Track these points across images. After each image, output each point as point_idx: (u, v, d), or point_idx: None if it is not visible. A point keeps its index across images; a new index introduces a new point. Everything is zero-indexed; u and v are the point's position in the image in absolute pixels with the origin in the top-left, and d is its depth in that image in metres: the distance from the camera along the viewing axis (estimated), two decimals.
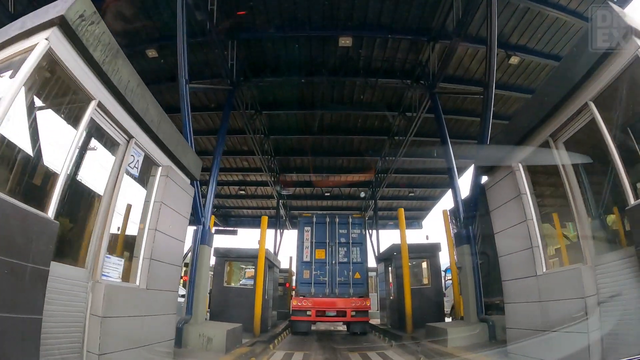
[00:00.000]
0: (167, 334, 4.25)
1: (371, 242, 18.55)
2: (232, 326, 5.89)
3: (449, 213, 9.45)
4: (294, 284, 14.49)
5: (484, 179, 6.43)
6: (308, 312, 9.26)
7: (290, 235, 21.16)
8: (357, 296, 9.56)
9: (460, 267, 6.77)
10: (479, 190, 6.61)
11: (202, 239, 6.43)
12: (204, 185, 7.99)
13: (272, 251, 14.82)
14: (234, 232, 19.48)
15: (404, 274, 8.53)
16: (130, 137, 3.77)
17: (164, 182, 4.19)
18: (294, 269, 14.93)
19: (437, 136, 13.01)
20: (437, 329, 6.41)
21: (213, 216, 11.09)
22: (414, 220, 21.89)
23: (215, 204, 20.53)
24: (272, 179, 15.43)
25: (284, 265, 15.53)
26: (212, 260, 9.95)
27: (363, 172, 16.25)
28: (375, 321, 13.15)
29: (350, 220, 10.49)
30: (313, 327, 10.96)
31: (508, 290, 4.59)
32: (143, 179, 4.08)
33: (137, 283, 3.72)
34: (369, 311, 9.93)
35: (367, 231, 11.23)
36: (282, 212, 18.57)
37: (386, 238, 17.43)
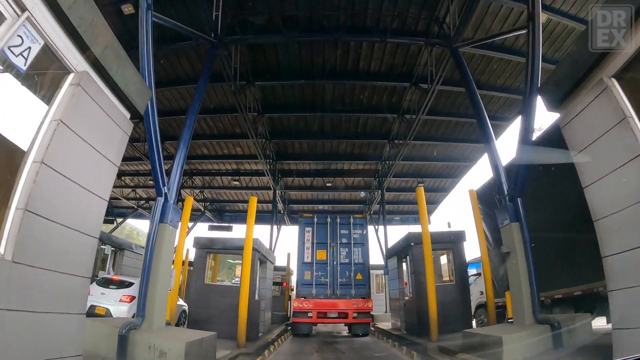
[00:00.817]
0: (64, 347, 2.52)
1: (377, 237, 17.02)
2: (198, 336, 4.20)
3: (476, 194, 7.92)
4: (293, 284, 13.06)
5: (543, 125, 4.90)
6: (309, 314, 8.95)
7: (289, 232, 19.51)
8: (359, 297, 9.32)
9: (507, 252, 5.13)
10: (530, 149, 5.03)
11: (163, 215, 4.75)
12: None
13: (269, 248, 13.10)
14: (229, 228, 17.82)
15: (426, 267, 6.87)
16: (23, 9, 2.26)
17: (71, 92, 2.56)
18: (292, 267, 13.42)
19: (453, 115, 11.70)
20: (482, 336, 4.73)
21: (191, 198, 9.50)
22: None
23: (209, 198, 18.99)
24: (268, 167, 13.83)
25: (282, 262, 13.90)
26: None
27: (368, 160, 14.66)
28: (386, 325, 11.51)
29: (352, 220, 10.29)
30: (313, 330, 10.32)
31: (615, 268, 2.92)
32: (36, 81, 2.50)
33: (0, 250, 2.10)
34: (372, 313, 9.64)
35: (369, 228, 10.93)
36: (280, 205, 16.90)
37: (391, 236, 15.63)
